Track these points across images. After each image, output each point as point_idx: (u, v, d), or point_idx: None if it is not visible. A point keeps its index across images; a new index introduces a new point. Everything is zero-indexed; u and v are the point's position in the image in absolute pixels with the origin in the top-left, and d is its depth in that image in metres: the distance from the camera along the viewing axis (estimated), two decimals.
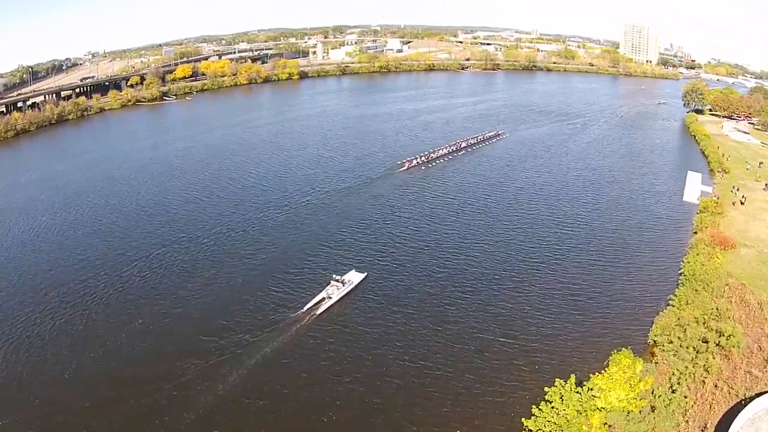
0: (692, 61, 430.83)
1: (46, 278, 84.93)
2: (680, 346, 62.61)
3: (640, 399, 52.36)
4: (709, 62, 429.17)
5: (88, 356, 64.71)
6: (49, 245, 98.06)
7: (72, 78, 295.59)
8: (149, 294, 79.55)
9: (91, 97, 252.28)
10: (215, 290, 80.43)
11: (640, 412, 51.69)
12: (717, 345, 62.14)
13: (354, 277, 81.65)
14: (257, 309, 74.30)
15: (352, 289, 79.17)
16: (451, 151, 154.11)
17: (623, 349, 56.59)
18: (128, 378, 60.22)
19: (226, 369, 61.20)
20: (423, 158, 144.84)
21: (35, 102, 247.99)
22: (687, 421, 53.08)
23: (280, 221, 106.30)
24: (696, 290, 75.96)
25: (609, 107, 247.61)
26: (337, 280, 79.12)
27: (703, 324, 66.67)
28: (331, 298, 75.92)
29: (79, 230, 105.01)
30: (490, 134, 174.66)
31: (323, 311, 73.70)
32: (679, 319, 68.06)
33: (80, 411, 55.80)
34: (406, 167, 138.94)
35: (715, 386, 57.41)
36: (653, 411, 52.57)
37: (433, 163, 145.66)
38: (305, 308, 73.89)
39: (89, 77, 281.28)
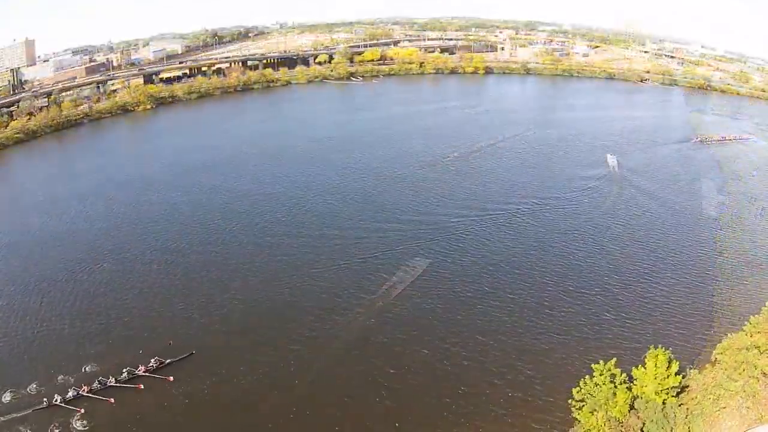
0: None
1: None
2: (734, 369, 60.08)
3: (670, 395, 56.43)
4: None
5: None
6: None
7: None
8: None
9: (278, 70, 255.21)
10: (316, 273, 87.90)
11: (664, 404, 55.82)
12: (763, 374, 57.86)
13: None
14: (342, 292, 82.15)
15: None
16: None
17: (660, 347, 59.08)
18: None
19: (322, 348, 69.94)
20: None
21: (220, 68, 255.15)
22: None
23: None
24: None
25: None
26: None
27: (764, 353, 60.53)
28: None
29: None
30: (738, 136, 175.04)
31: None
32: (747, 347, 61.71)
33: None
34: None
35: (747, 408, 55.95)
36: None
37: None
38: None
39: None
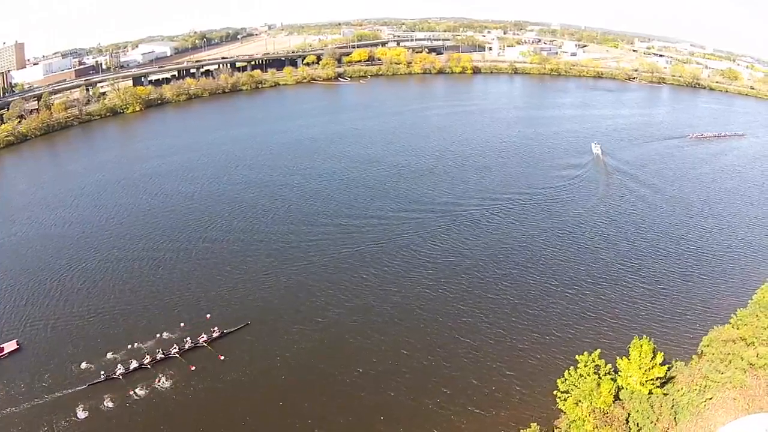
0: None
1: None
2: (720, 361, 62.16)
3: (655, 386, 57.34)
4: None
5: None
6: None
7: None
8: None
9: (267, 71, 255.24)
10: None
11: (650, 395, 56.98)
12: (750, 365, 59.71)
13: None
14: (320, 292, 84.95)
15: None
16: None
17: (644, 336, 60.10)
18: None
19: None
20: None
21: (209, 70, 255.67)
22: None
23: None
24: (757, 316, 69.12)
25: None
26: None
27: (750, 345, 63.71)
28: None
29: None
30: (732, 133, 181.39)
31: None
32: (734, 339, 65.11)
33: None
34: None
35: (734, 399, 56.47)
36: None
37: None
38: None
39: None
